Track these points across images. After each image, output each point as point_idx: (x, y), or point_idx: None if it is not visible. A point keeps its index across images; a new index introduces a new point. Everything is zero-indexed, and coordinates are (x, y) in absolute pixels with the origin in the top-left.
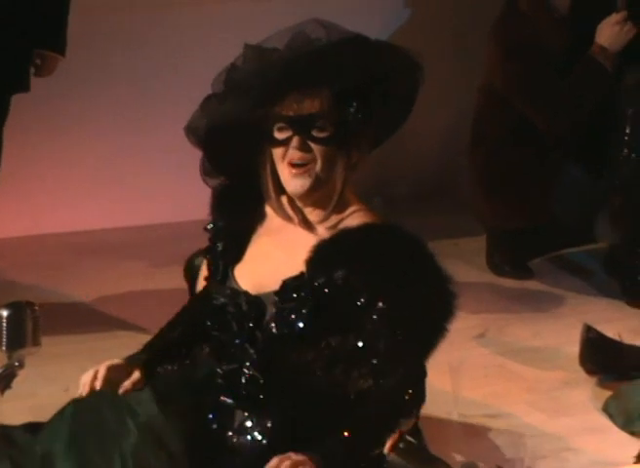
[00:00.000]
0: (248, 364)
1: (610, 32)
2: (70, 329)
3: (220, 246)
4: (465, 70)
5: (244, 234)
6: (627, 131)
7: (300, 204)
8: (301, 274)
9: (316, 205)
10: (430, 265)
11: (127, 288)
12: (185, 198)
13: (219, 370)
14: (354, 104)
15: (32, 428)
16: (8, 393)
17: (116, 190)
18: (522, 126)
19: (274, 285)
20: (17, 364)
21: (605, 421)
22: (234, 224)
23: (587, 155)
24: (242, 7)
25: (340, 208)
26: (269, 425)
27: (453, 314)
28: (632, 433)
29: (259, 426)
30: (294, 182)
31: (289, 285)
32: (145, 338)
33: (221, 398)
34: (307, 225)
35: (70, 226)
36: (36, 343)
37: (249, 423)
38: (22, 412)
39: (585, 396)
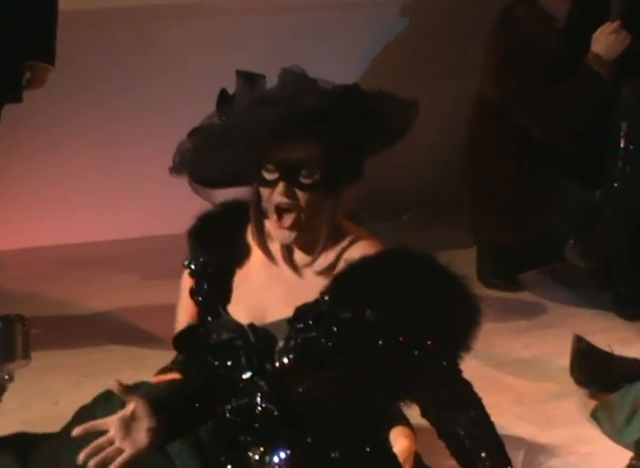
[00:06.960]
0: (259, 397)
1: (605, 40)
2: (61, 342)
3: (205, 285)
4: (464, 79)
5: (229, 268)
6: (622, 144)
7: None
8: (317, 301)
9: (303, 248)
10: (454, 286)
11: (119, 301)
12: (178, 210)
13: (228, 407)
14: (344, 153)
15: (23, 439)
16: None
17: (109, 203)
18: (516, 138)
19: (279, 315)
20: (7, 377)
21: (595, 432)
22: (218, 259)
23: (582, 168)
24: (237, 21)
25: (337, 240)
26: (286, 457)
27: (478, 329)
28: (620, 443)
29: (277, 460)
30: (281, 233)
31: (305, 312)
32: (137, 352)
33: (236, 435)
34: (294, 266)
35: (62, 239)
36: (26, 357)
37: (267, 459)
38: (12, 426)
39: (575, 407)
